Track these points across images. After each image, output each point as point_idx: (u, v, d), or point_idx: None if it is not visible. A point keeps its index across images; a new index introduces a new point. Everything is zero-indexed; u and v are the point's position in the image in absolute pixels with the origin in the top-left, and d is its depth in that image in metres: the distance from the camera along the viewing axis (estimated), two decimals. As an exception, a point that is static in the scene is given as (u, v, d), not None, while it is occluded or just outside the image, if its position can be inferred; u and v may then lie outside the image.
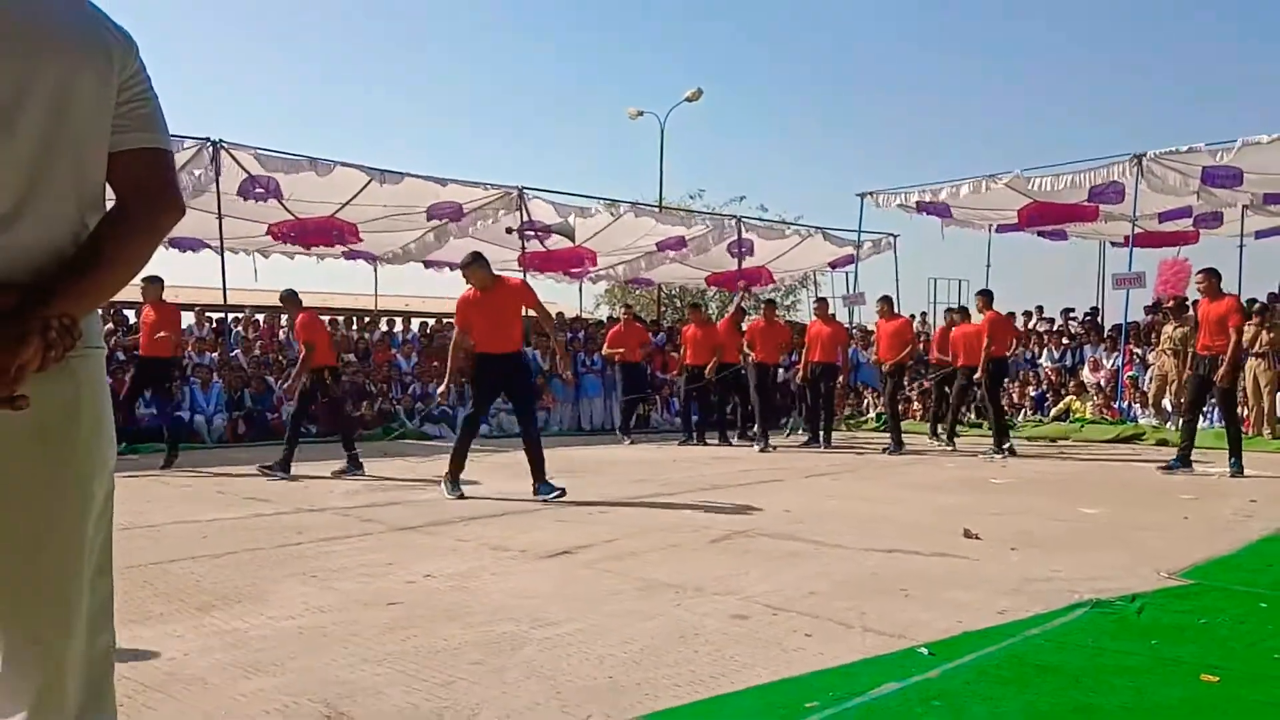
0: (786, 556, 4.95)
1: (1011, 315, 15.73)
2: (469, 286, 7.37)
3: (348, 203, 15.00)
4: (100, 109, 1.50)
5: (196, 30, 58.13)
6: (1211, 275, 9.27)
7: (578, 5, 60.82)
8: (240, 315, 16.20)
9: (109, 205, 1.57)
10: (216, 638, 3.44)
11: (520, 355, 7.60)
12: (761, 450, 11.55)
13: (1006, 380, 13.26)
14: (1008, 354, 12.06)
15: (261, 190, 13.71)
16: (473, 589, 4.21)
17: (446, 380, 7.82)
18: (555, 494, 6.98)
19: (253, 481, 8.01)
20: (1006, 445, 10.98)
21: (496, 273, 7.55)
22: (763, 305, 13.31)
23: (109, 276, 1.52)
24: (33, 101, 1.41)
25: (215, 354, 13.62)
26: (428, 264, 18.46)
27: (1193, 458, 9.12)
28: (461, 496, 7.06)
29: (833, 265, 21.33)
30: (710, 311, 27.50)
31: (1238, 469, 8.72)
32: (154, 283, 9.59)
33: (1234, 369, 8.83)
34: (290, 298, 9.34)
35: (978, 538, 5.41)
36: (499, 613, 3.78)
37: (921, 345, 15.58)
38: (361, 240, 16.48)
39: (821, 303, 13.62)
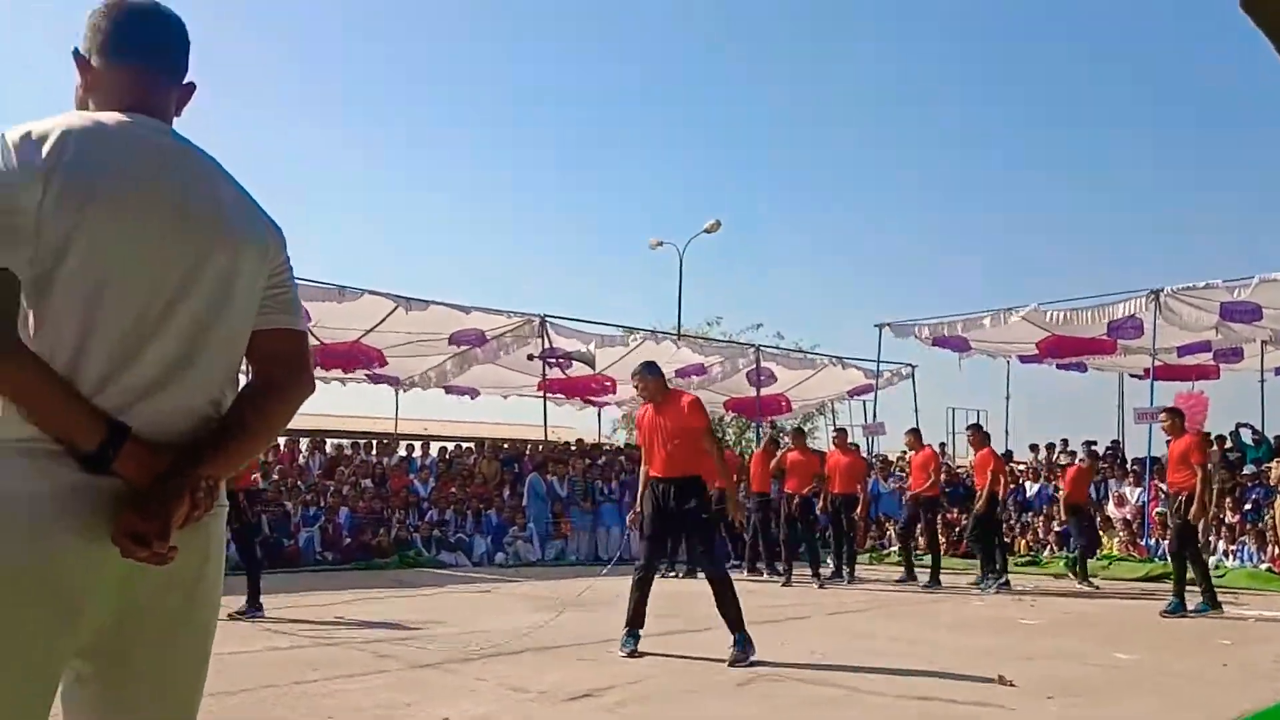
0: (816, 703, 4.81)
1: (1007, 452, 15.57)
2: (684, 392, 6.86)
3: (373, 329, 15.25)
4: (252, 294, 1.67)
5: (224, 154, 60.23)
6: (1174, 415, 9.60)
7: (600, 139, 62.85)
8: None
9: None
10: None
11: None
12: (784, 584, 11.41)
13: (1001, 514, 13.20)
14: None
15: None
16: (494, 734, 4.10)
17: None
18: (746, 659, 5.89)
19: (269, 612, 7.88)
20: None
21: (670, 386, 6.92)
22: (792, 434, 13.28)
23: (250, 444, 1.69)
24: (201, 283, 1.57)
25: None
26: (449, 390, 18.63)
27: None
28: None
29: (851, 394, 21.38)
30: (728, 437, 27.49)
31: (1203, 609, 8.72)
32: None
33: (1202, 505, 8.83)
34: None
35: (1012, 684, 5.25)
36: (521, 762, 3.67)
37: (944, 476, 15.43)
38: (387, 364, 16.69)
39: (841, 433, 13.60)
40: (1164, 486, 14.63)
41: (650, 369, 6.75)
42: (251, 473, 9.21)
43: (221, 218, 1.61)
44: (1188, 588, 8.94)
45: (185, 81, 1.73)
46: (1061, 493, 13.10)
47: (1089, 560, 11.89)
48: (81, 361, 1.45)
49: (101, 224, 1.46)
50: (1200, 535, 9.54)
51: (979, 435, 12.15)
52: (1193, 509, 8.73)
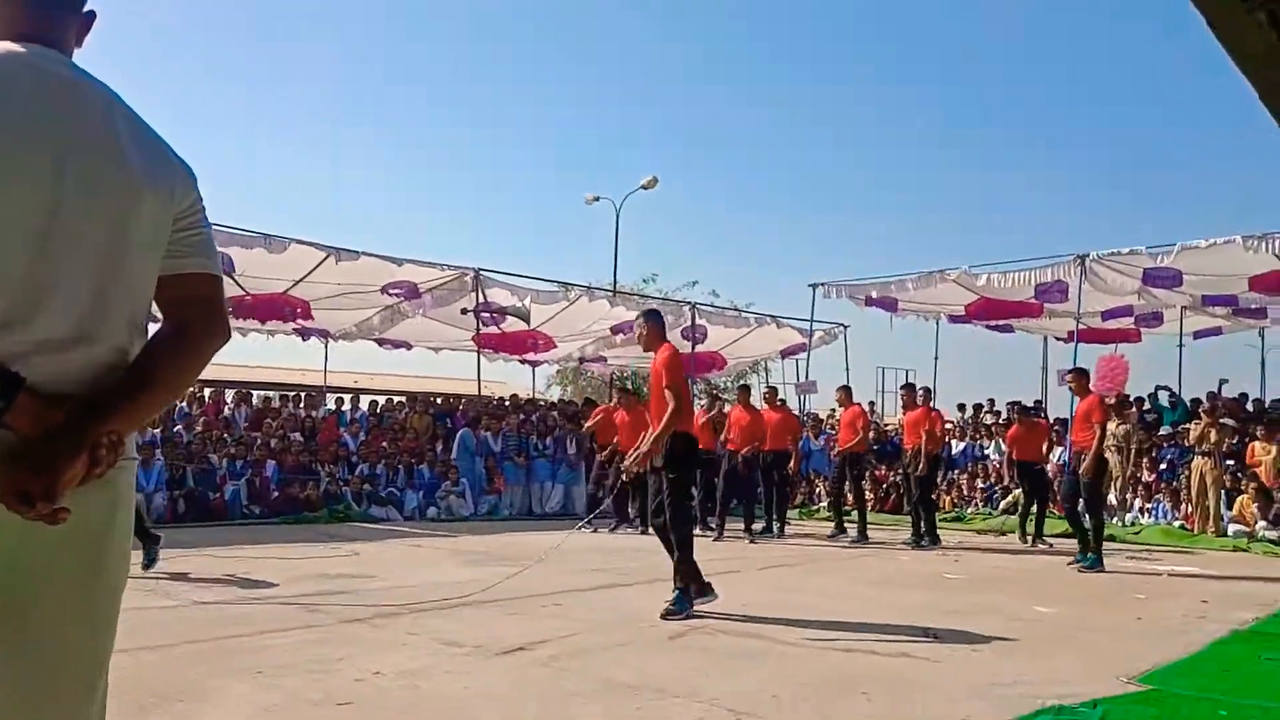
0: (747, 655, 4.86)
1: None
2: (665, 344, 6.40)
3: (301, 279, 14.90)
4: (158, 236, 1.57)
5: (155, 97, 58.22)
6: (1080, 375, 9.84)
7: (537, 92, 62.02)
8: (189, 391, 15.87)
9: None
10: (154, 742, 3.26)
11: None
12: (716, 540, 11.53)
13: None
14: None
15: (214, 265, 13.55)
16: (424, 689, 4.07)
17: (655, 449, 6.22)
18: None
19: (192, 566, 7.72)
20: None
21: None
22: (737, 391, 13.32)
23: (159, 396, 1.59)
24: (99, 227, 1.47)
25: (158, 431, 13.27)
26: (380, 342, 18.34)
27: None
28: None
29: (784, 353, 21.57)
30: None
31: (1092, 564, 8.98)
32: None
33: (1096, 461, 9.12)
34: None
35: (936, 637, 5.38)
36: (452, 716, 3.64)
37: (872, 434, 15.70)
38: (313, 318, 16.34)
39: (772, 390, 13.73)
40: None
41: (648, 315, 6.65)
42: None
43: (121, 157, 1.51)
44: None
45: (85, 10, 1.62)
46: (1005, 454, 13.37)
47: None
48: None
49: None
50: (1104, 491, 9.85)
51: (910, 394, 12.28)
52: (1085, 464, 9.04)
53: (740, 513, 12.22)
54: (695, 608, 5.95)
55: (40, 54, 1.49)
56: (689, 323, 18.74)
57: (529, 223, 61.95)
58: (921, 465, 11.37)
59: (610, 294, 20.72)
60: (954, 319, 18.89)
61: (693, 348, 18.91)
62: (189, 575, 7.29)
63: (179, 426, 13.94)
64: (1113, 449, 13.86)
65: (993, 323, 18.81)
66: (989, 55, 57.74)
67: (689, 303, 20.46)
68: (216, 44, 61.25)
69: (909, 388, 12.76)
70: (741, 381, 16.43)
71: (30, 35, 1.51)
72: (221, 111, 63.01)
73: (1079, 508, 9.29)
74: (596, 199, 28.03)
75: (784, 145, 60.96)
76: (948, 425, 18.04)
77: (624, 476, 9.14)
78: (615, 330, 18.60)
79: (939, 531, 11.68)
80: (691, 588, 6.03)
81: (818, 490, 16.76)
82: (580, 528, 10.74)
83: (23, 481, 1.33)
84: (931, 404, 12.32)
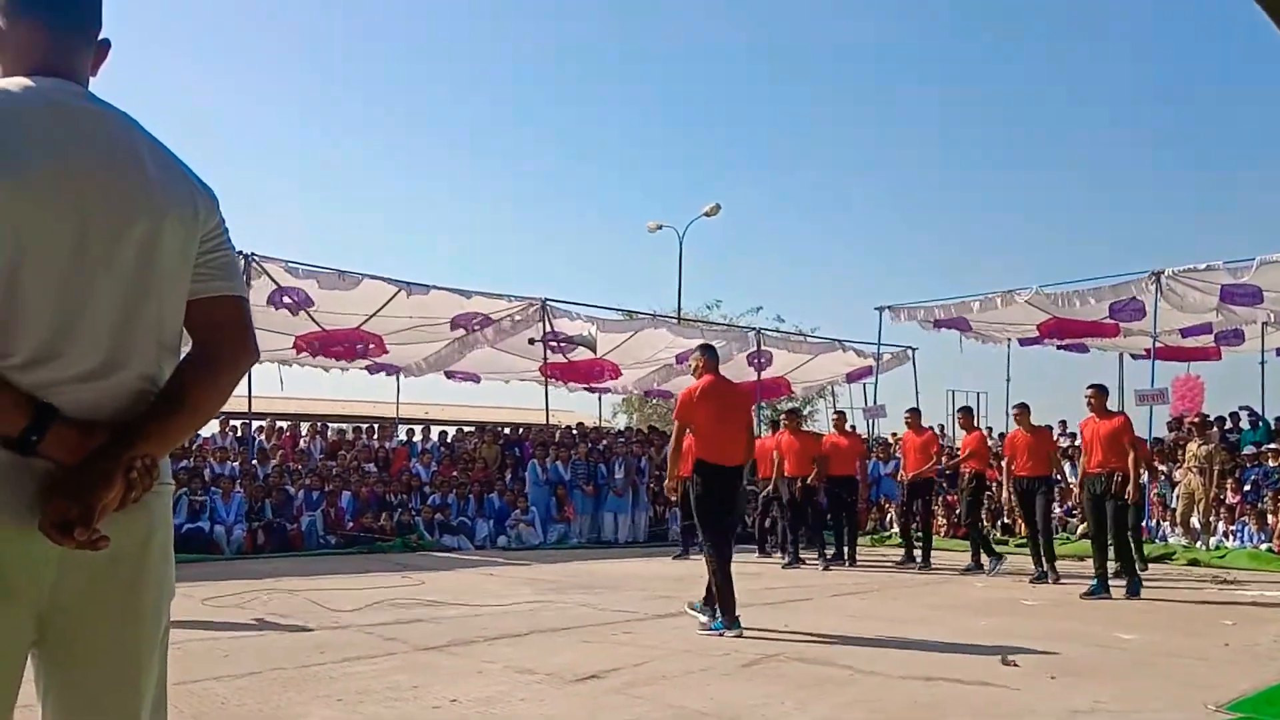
0: (821, 683, 4.83)
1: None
2: (706, 376, 6.91)
3: (374, 314, 15.23)
4: (184, 261, 1.59)
5: (228, 145, 60.11)
6: (1101, 392, 9.27)
7: (600, 121, 62.65)
8: (263, 424, 16.30)
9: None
10: (243, 767, 3.36)
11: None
12: (787, 566, 11.48)
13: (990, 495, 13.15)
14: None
15: (290, 301, 13.95)
16: (500, 716, 4.12)
17: (670, 481, 7.26)
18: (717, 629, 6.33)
19: (273, 595, 7.91)
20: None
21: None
22: (785, 416, 13.29)
23: (190, 420, 1.61)
24: (126, 255, 1.50)
25: (237, 463, 13.64)
26: (450, 374, 18.64)
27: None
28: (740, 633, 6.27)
29: (850, 377, 21.41)
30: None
31: (1136, 589, 8.61)
32: None
33: (1139, 486, 8.84)
34: None
35: (1016, 664, 5.28)
36: (530, 742, 3.69)
37: (945, 458, 15.47)
38: (387, 352, 16.69)
39: (839, 415, 13.63)
40: (1163, 468, 14.76)
41: (703, 349, 7.19)
42: None
43: (143, 184, 1.53)
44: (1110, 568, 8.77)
45: (100, 39, 1.63)
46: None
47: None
48: (3, 345, 1.40)
49: (9, 202, 1.39)
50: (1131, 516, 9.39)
51: (968, 417, 12.29)
52: (1129, 490, 8.66)
53: (801, 539, 12.13)
54: (708, 627, 6.36)
55: (58, 86, 1.52)
56: (754, 348, 18.72)
57: (594, 251, 62.41)
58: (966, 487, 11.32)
59: (674, 321, 20.81)
60: (1026, 341, 18.58)
61: (758, 374, 18.87)
62: (271, 604, 7.46)
63: (255, 460, 14.32)
64: (1194, 470, 13.48)
65: (1066, 342, 18.45)
66: (1055, 70, 56.88)
67: (753, 328, 20.46)
68: (271, 73, 63.08)
69: (965, 411, 12.63)
70: (791, 407, 16.32)
71: (47, 68, 1.53)
72: (293, 148, 64.81)
73: (1122, 533, 8.93)
74: (660, 227, 28.19)
75: (846, 167, 60.68)
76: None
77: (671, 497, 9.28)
78: (680, 359, 18.66)
79: (1004, 553, 11.41)
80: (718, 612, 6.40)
81: (888, 516, 16.54)
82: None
83: (61, 510, 1.36)
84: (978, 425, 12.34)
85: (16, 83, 1.49)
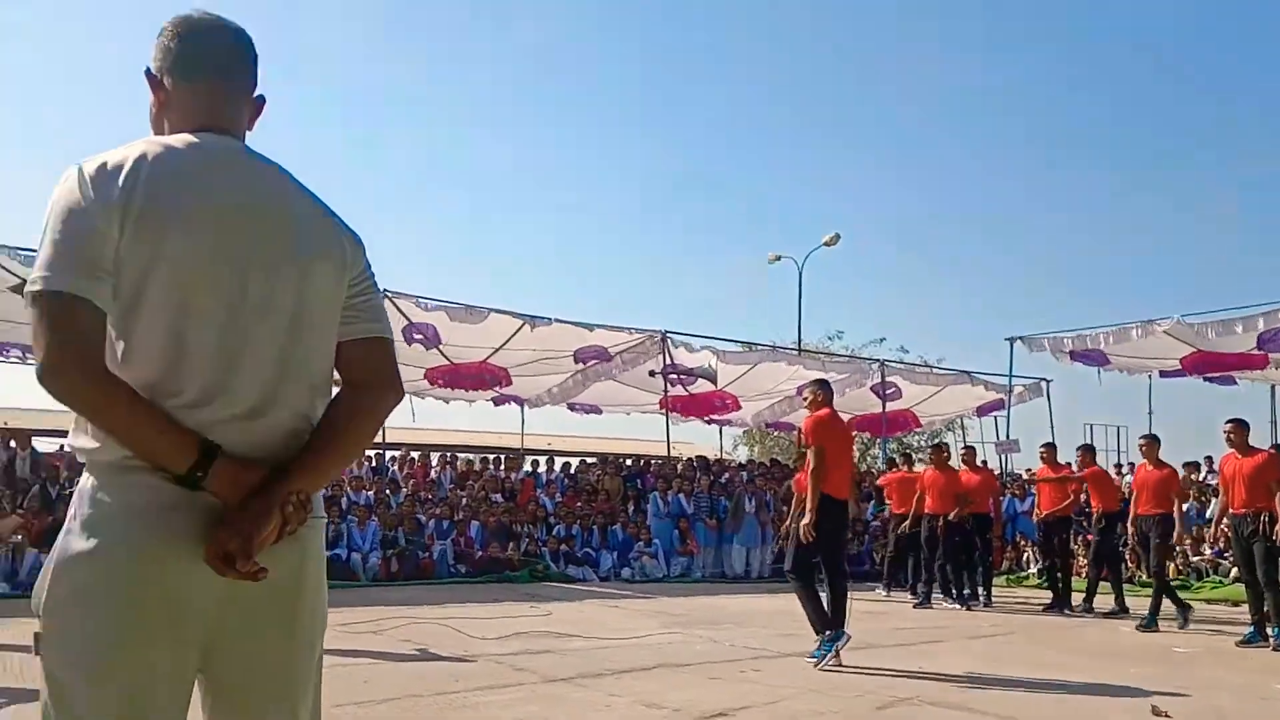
0: (958, 729, 4.67)
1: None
2: (822, 410, 6.96)
3: (500, 348, 15.60)
4: (334, 304, 1.68)
5: (358, 182, 62.64)
6: (1241, 427, 8.62)
7: (718, 153, 62.89)
8: (396, 454, 16.83)
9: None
10: (386, 792, 3.45)
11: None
12: (918, 606, 11.19)
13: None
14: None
15: (421, 337, 14.42)
16: (633, 751, 4.12)
17: (811, 515, 6.62)
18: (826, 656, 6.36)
19: (408, 623, 8.10)
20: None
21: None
22: (931, 451, 12.92)
23: (341, 457, 1.70)
24: (281, 299, 1.60)
25: (372, 492, 14.10)
26: (572, 406, 18.90)
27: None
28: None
29: (980, 411, 20.79)
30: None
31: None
32: None
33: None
34: None
35: (1167, 716, 5.00)
36: (662, 779, 3.68)
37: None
38: (512, 384, 17.06)
39: (969, 450, 13.22)
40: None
41: (819, 384, 7.30)
42: None
43: (296, 232, 1.63)
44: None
45: (256, 95, 1.75)
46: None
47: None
48: (172, 386, 1.50)
49: (178, 252, 1.49)
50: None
51: (1088, 455, 11.91)
52: (1277, 532, 8.05)
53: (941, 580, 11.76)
54: (828, 659, 6.31)
55: (219, 142, 1.63)
56: (877, 380, 18.39)
57: (714, 283, 62.46)
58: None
59: (795, 353, 20.63)
60: (1167, 374, 17.70)
61: (883, 406, 18.52)
62: (405, 631, 7.65)
63: (388, 489, 14.77)
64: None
65: (1212, 375, 17.50)
66: (1200, 89, 54.47)
67: (876, 360, 20.11)
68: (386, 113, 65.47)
69: (1085, 449, 12.11)
70: (937, 440, 15.84)
71: (210, 125, 1.65)
72: (416, 185, 67.15)
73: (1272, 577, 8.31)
74: (779, 258, 28.05)
75: (969, 192, 59.27)
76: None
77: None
78: (800, 391, 18.45)
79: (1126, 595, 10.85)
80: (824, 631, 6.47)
81: (1025, 555, 15.91)
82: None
83: (223, 543, 1.45)
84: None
85: (182, 139, 1.61)
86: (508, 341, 15.43)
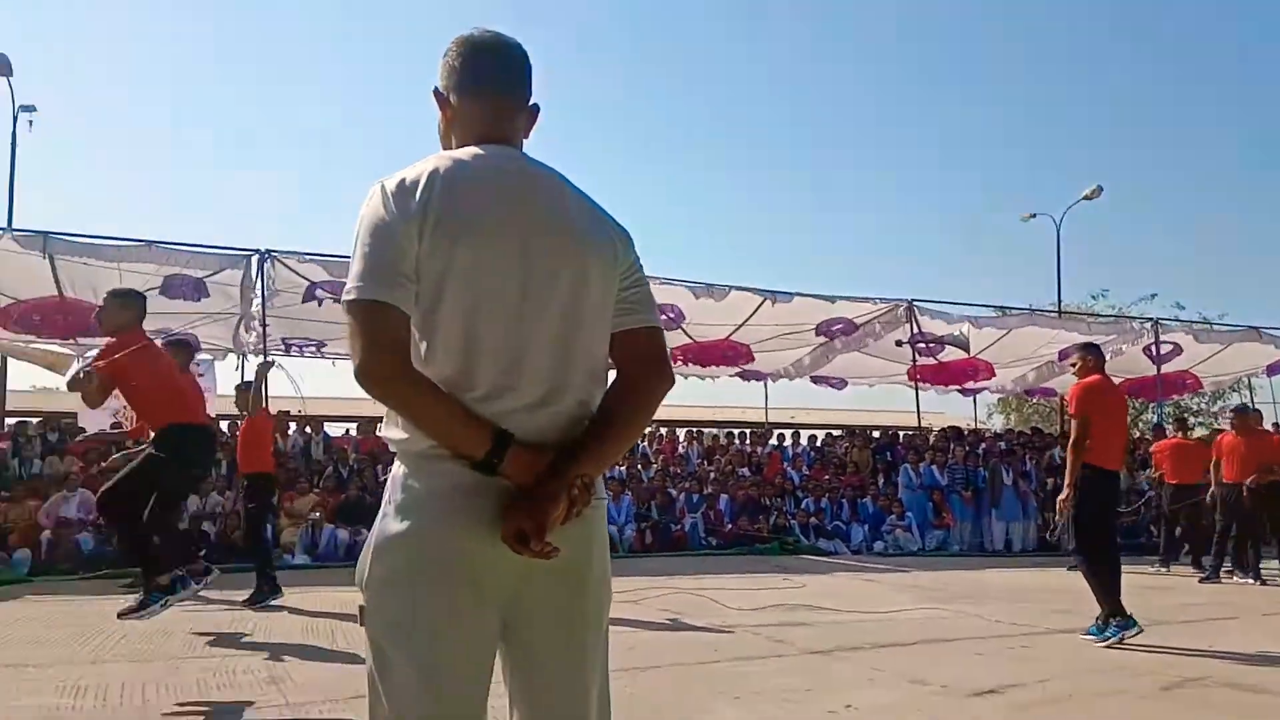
0: (1259, 712, 4.30)
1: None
2: (1092, 376, 6.66)
3: (742, 324, 15.66)
4: (608, 297, 1.78)
5: (600, 157, 64.49)
6: None
7: (958, 109, 60.02)
8: (646, 431, 17.31)
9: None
10: (659, 754, 3.60)
11: None
12: (1204, 580, 10.33)
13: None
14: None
15: (666, 318, 14.73)
16: (899, 725, 4.08)
17: (1068, 489, 6.46)
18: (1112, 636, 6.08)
19: (666, 593, 8.35)
20: None
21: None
22: (1233, 414, 11.71)
23: (621, 441, 1.80)
24: (561, 295, 1.71)
25: (624, 467, 14.59)
26: (816, 379, 18.71)
27: None
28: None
29: (1271, 370, 18.83)
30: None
31: None
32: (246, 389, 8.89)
33: None
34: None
35: None
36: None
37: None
38: (754, 360, 17.10)
39: (1256, 414, 11.95)
40: None
41: (1087, 348, 6.96)
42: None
43: (572, 231, 1.73)
44: None
45: (531, 104, 1.86)
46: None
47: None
48: (467, 380, 1.63)
49: (470, 257, 1.62)
50: None
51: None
52: None
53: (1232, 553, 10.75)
54: (1110, 641, 6.02)
55: (499, 152, 1.76)
56: (1149, 340, 17.02)
57: (961, 247, 59.86)
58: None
59: (1054, 315, 19.43)
60: None
61: (1158, 368, 17.15)
62: (664, 600, 7.90)
63: (639, 464, 15.21)
64: None
65: None
66: None
67: (1148, 319, 18.60)
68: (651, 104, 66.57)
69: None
70: (1240, 404, 14.19)
71: (492, 137, 1.78)
72: (665, 170, 68.31)
73: None
74: (1033, 216, 26.49)
75: (1248, 132, 53.40)
76: None
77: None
78: (1063, 355, 17.38)
79: None
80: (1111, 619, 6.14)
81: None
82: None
83: (519, 522, 1.56)
84: None
85: (468, 152, 1.76)
86: (749, 318, 15.47)
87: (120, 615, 5.55)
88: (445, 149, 1.84)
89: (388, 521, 1.67)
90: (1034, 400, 24.21)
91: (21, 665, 5.21)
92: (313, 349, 15.21)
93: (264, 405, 9.04)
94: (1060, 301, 24.70)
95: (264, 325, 12.81)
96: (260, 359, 12.41)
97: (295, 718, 4.20)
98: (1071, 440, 6.46)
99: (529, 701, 1.74)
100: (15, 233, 11.79)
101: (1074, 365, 6.92)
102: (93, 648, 5.75)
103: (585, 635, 1.75)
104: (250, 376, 10.58)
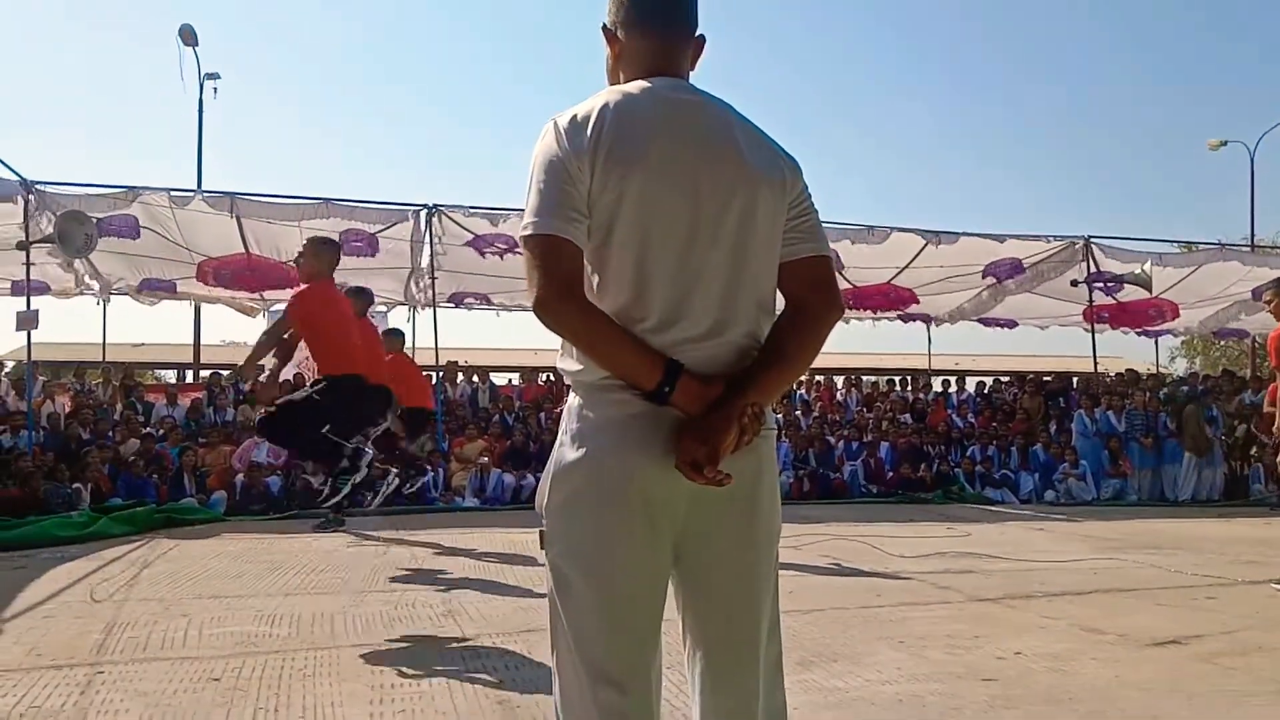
0: None
1: None
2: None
3: (904, 268, 15.23)
4: (776, 227, 1.78)
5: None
6: None
7: (1135, 35, 55.92)
8: (802, 377, 17.15)
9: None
10: (820, 695, 3.64)
11: None
12: None
13: None
14: None
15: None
16: (1071, 672, 3.97)
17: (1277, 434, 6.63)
18: None
19: (826, 539, 8.31)
20: None
21: None
22: None
23: (790, 372, 1.80)
24: (729, 225, 1.72)
25: (780, 415, 14.54)
26: (984, 322, 18.04)
27: None
28: None
29: None
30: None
31: None
32: (396, 336, 9.91)
33: None
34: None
35: None
36: (1105, 702, 3.52)
37: None
38: (919, 303, 16.63)
39: None
40: None
41: (1278, 284, 6.58)
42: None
43: (740, 161, 1.73)
44: None
45: (697, 35, 1.87)
46: None
47: None
48: (639, 312, 1.67)
49: (639, 190, 1.65)
50: None
51: None
52: None
53: None
54: None
55: (666, 84, 1.78)
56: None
57: (1142, 181, 56.14)
58: None
59: (1247, 250, 18.05)
60: None
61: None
62: (824, 546, 7.87)
63: (798, 411, 15.11)
64: None
65: None
66: None
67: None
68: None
69: None
70: None
71: (658, 69, 1.80)
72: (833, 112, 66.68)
73: None
74: (1223, 144, 24.58)
75: None
76: None
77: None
78: (1256, 294, 16.13)
79: None
80: None
81: None
82: None
83: (691, 450, 1.60)
84: None
85: (636, 86, 1.79)
86: (912, 260, 15.01)
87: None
88: (612, 84, 1.88)
89: (564, 450, 1.74)
90: (1222, 342, 22.62)
91: (221, 596, 5.67)
92: (480, 301, 15.72)
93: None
94: (1253, 235, 22.96)
95: (433, 278, 13.33)
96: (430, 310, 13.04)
97: (472, 645, 4.43)
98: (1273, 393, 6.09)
99: (702, 625, 1.79)
100: (205, 194, 12.61)
101: (1269, 303, 6.47)
102: (284, 582, 6.20)
103: (756, 561, 1.79)
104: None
